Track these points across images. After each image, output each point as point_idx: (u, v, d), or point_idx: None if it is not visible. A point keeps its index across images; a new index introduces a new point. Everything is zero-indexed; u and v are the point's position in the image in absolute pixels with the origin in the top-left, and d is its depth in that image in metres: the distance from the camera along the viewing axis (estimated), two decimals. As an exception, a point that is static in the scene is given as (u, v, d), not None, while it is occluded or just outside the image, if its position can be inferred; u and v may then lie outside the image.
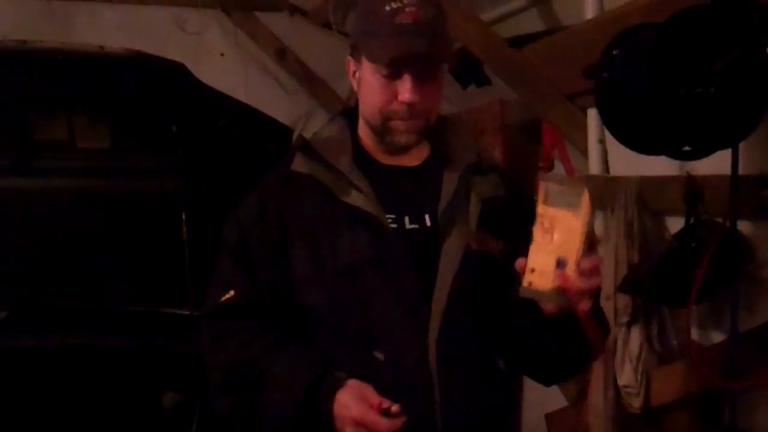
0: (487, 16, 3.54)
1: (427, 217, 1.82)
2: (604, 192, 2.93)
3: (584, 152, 3.13)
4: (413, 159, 1.90)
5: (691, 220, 2.46)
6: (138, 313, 3.64)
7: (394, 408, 1.58)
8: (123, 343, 3.54)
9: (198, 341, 1.88)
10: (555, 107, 3.20)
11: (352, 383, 1.64)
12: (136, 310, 3.64)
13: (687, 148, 2.16)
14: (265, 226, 1.82)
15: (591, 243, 1.55)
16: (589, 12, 2.97)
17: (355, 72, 1.87)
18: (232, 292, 1.81)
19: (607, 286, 2.73)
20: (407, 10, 1.73)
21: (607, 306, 2.72)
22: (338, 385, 1.64)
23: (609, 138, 2.71)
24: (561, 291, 1.48)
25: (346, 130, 1.91)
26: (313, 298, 1.77)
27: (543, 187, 1.52)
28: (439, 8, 1.80)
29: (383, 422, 1.58)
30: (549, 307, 1.56)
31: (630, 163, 2.75)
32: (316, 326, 1.78)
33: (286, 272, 1.79)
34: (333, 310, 1.76)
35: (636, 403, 2.68)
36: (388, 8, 1.74)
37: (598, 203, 3.02)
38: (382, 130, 1.82)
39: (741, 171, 2.20)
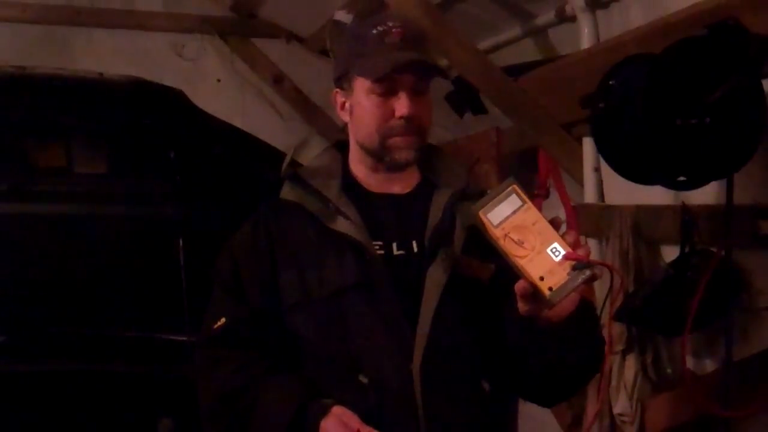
0: (483, 44, 3.57)
1: (414, 243, 1.85)
2: (600, 221, 2.94)
3: (580, 181, 3.14)
4: (403, 186, 1.93)
5: (686, 249, 2.47)
6: (134, 339, 3.64)
7: None
8: (118, 369, 3.53)
9: (193, 367, 1.90)
10: (551, 136, 3.22)
11: (336, 411, 1.66)
12: (132, 335, 3.64)
13: (682, 177, 2.17)
14: (256, 255, 1.86)
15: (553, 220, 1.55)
16: (585, 42, 2.99)
17: (344, 103, 1.91)
18: (223, 320, 1.84)
19: (603, 314, 2.74)
20: (394, 30, 1.81)
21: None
22: (323, 412, 1.66)
23: (604, 167, 2.73)
24: (578, 267, 1.48)
25: (337, 160, 1.96)
26: (300, 323, 1.80)
27: (482, 218, 1.51)
28: (423, 31, 1.89)
29: None
30: (579, 293, 1.55)
31: (625, 192, 2.77)
32: (304, 351, 1.81)
33: (276, 300, 1.82)
34: (319, 334, 1.79)
35: (631, 432, 2.68)
36: (375, 31, 1.82)
37: (594, 231, 3.04)
38: (380, 151, 1.85)
39: (736, 201, 2.21)
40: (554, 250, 1.49)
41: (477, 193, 1.88)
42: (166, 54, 5.08)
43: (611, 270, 1.57)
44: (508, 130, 3.66)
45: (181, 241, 3.56)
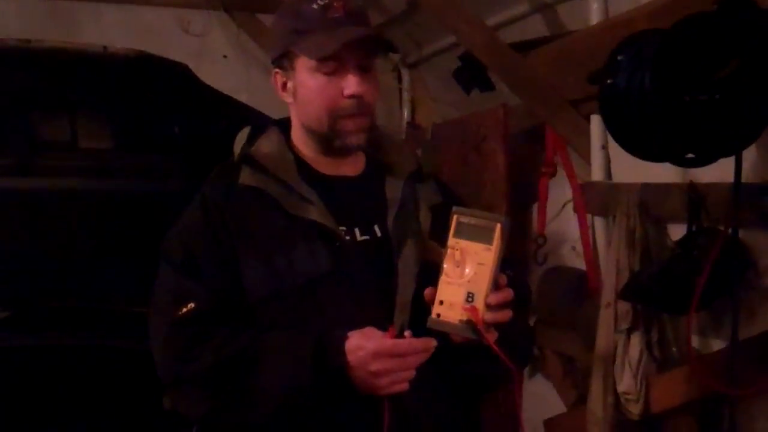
0: (491, 21, 3.54)
1: (376, 227, 1.81)
2: (607, 199, 2.93)
3: (587, 158, 3.13)
4: (352, 168, 1.89)
5: (693, 228, 2.46)
6: (139, 315, 3.63)
7: (407, 333, 1.60)
8: (124, 344, 3.53)
9: (164, 354, 1.79)
10: (558, 113, 3.20)
11: (354, 332, 1.62)
12: (137, 311, 3.64)
13: (690, 155, 2.15)
14: (213, 241, 1.76)
15: (502, 276, 1.59)
16: (594, 18, 2.97)
17: (285, 83, 1.84)
18: (191, 305, 1.73)
19: (608, 293, 2.73)
20: (335, 4, 1.74)
21: (607, 313, 2.72)
22: (342, 338, 1.62)
23: (612, 144, 2.71)
24: (469, 324, 1.53)
25: (283, 143, 1.87)
26: (271, 316, 1.72)
27: (455, 219, 1.56)
28: (362, 5, 1.82)
29: (402, 343, 1.58)
30: (456, 339, 1.59)
31: (633, 170, 2.75)
32: None
33: (240, 289, 1.73)
34: (294, 325, 1.71)
35: (635, 410, 2.67)
36: (315, 6, 1.74)
37: (601, 210, 3.02)
38: (330, 134, 1.78)
39: (744, 179, 2.19)
40: (471, 295, 1.54)
41: (428, 175, 1.91)
42: (172, 29, 5.06)
43: (494, 349, 1.56)
44: (516, 108, 3.64)
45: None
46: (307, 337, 1.65)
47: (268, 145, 1.85)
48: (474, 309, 1.52)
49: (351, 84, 1.74)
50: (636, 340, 2.67)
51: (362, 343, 1.59)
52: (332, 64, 1.74)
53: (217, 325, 1.72)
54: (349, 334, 1.62)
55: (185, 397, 1.77)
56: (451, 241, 1.55)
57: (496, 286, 1.56)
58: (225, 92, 4.24)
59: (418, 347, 1.59)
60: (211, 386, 1.71)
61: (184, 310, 1.73)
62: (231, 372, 1.68)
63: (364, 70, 1.77)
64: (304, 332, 1.67)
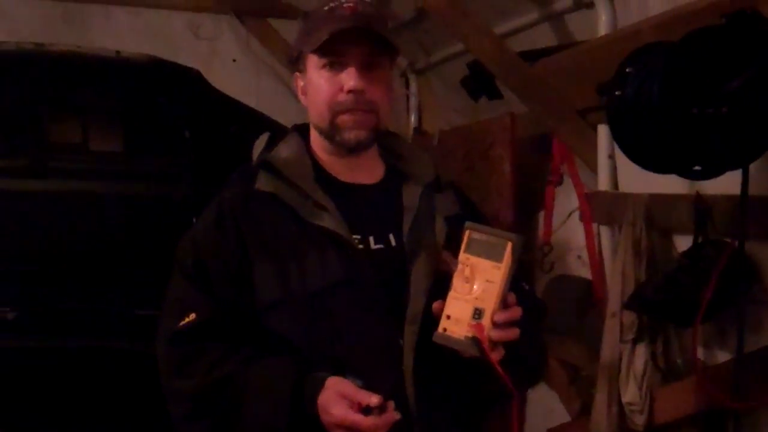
0: (500, 29, 3.55)
1: (391, 236, 1.80)
2: (613, 208, 2.93)
3: (594, 168, 3.13)
4: (371, 176, 1.88)
5: (699, 240, 2.46)
6: (147, 317, 3.65)
7: (374, 400, 1.54)
8: (130, 346, 3.54)
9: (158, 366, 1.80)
10: (566, 122, 3.21)
11: (330, 383, 1.60)
12: (144, 313, 3.65)
13: (697, 167, 2.16)
14: (225, 247, 1.76)
15: (511, 294, 1.59)
16: (602, 28, 2.97)
17: (303, 86, 1.86)
18: (193, 316, 1.73)
19: (614, 303, 2.74)
20: (345, 5, 1.76)
21: (612, 323, 2.73)
22: (318, 387, 1.60)
23: (619, 154, 2.72)
24: (474, 341, 1.53)
25: (303, 148, 1.87)
26: (280, 322, 1.71)
27: (467, 235, 1.57)
28: (379, 10, 1.83)
29: (365, 421, 1.53)
30: (461, 354, 1.58)
31: (639, 180, 2.75)
32: (283, 351, 1.70)
33: (249, 295, 1.72)
34: (303, 334, 1.70)
35: (639, 421, 2.67)
36: (326, 8, 1.78)
37: (607, 219, 3.03)
38: (331, 129, 1.79)
39: (751, 191, 2.19)
40: (478, 312, 1.54)
41: (447, 185, 1.90)
42: (183, 33, 5.10)
43: (497, 369, 1.56)
44: (523, 116, 3.65)
45: (194, 220, 3.57)
46: (288, 376, 1.64)
47: (286, 150, 1.86)
48: (480, 326, 1.53)
49: (349, 79, 1.75)
50: (641, 351, 2.67)
51: (329, 407, 1.56)
52: (333, 59, 1.76)
53: (215, 340, 1.73)
54: (326, 383, 1.60)
55: (177, 410, 1.76)
56: (462, 256, 1.56)
57: (504, 304, 1.56)
58: (234, 96, 4.26)
59: (379, 426, 1.55)
60: (198, 406, 1.71)
61: (186, 320, 1.74)
62: (216, 397, 1.69)
63: (368, 68, 1.77)
64: (288, 367, 1.66)
